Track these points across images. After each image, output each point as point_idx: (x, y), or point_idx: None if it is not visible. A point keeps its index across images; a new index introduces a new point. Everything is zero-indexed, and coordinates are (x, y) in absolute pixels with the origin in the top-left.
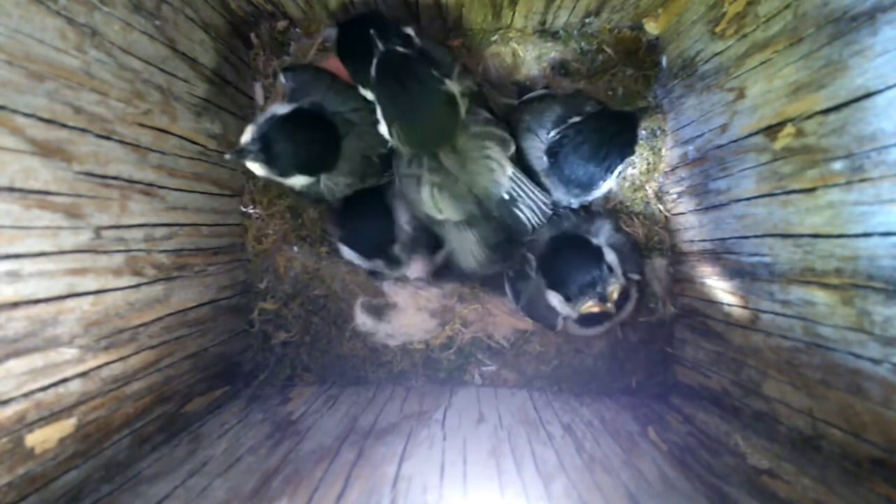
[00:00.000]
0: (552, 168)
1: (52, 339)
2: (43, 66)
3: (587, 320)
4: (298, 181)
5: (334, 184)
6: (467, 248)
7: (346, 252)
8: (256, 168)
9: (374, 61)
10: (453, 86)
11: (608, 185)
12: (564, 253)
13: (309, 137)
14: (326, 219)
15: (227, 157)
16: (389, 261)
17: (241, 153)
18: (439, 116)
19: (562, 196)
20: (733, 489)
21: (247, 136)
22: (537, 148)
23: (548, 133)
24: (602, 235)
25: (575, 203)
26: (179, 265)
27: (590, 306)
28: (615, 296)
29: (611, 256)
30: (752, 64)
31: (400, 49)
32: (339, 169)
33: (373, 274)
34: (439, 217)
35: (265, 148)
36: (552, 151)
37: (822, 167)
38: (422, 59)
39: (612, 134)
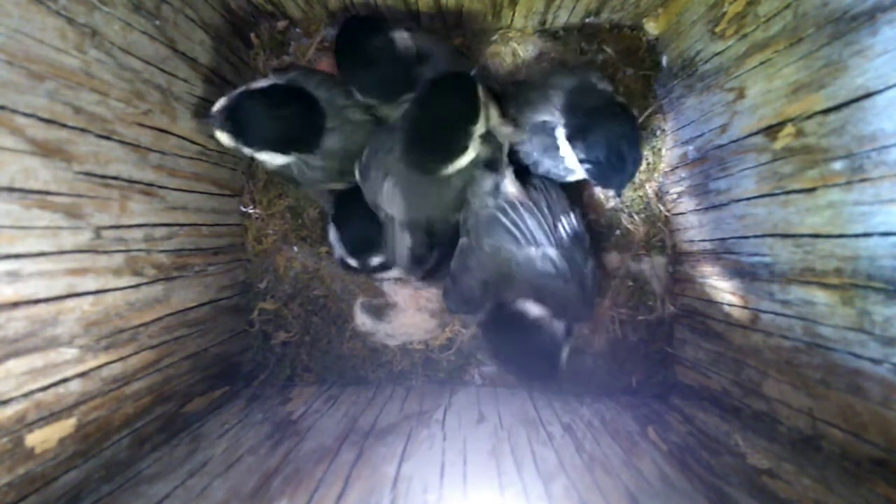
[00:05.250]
0: (572, 123)
1: (52, 339)
2: (43, 66)
3: None
4: (270, 159)
5: (308, 168)
6: (402, 247)
7: (332, 234)
8: (224, 138)
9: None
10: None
11: (581, 175)
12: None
13: (280, 113)
14: (326, 197)
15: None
16: (363, 264)
17: (209, 118)
18: (388, 67)
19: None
20: (733, 489)
21: (218, 105)
22: (552, 104)
23: (563, 95)
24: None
25: (542, 168)
26: (179, 265)
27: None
28: None
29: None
30: (752, 64)
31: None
32: (317, 154)
33: (345, 266)
34: (388, 211)
35: (231, 118)
36: (586, 115)
37: (822, 167)
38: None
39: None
